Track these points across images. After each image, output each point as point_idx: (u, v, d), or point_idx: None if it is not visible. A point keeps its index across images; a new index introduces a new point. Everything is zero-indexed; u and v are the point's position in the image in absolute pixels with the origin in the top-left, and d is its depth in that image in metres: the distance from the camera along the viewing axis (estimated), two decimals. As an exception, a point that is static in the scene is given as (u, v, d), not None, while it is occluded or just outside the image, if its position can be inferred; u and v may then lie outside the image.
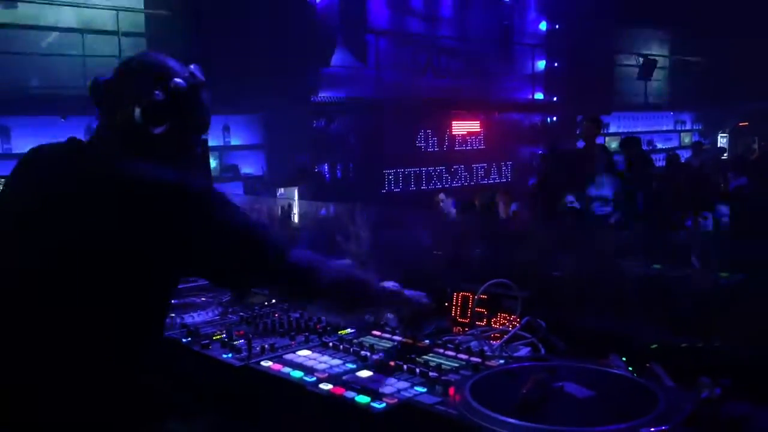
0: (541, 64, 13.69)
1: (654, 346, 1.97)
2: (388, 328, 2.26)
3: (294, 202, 7.38)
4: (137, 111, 1.73)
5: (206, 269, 1.77)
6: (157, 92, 1.75)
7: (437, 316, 2.22)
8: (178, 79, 1.78)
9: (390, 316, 2.17)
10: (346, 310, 1.96)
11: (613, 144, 11.61)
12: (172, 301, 2.00)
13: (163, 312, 1.81)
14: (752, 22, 12.92)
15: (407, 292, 2.08)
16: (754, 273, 2.32)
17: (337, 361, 1.97)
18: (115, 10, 8.60)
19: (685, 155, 13.30)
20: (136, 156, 1.72)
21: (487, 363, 1.91)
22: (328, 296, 1.84)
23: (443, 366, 1.89)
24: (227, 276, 1.77)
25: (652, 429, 1.42)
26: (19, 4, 8.12)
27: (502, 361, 1.93)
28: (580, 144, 8.83)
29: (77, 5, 8.46)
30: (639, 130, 14.72)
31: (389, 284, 2.07)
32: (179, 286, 2.81)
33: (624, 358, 1.91)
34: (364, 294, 1.94)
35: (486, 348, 2.04)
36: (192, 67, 1.87)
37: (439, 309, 2.24)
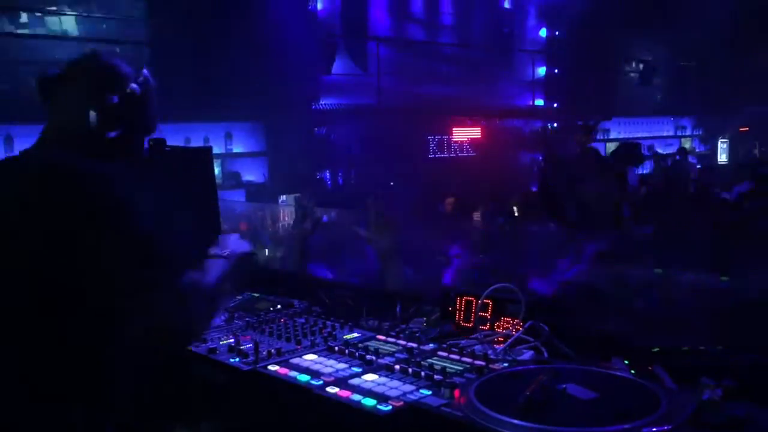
0: (541, 71, 13.73)
1: (656, 349, 1.99)
2: None
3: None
4: (92, 114, 1.73)
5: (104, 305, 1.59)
6: (113, 96, 1.76)
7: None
8: (134, 85, 1.80)
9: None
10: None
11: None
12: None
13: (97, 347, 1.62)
14: (753, 28, 12.97)
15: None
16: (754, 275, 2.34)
17: (342, 365, 1.99)
18: (118, 19, 8.66)
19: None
20: (81, 157, 1.68)
21: (491, 366, 1.94)
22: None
23: (448, 369, 1.91)
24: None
25: (654, 429, 1.44)
26: (22, 13, 8.17)
27: (505, 364, 1.95)
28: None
29: (79, 15, 8.52)
30: (640, 135, 14.75)
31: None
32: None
33: (626, 361, 1.93)
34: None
35: (490, 351, 2.06)
36: (144, 71, 1.87)
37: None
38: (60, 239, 1.55)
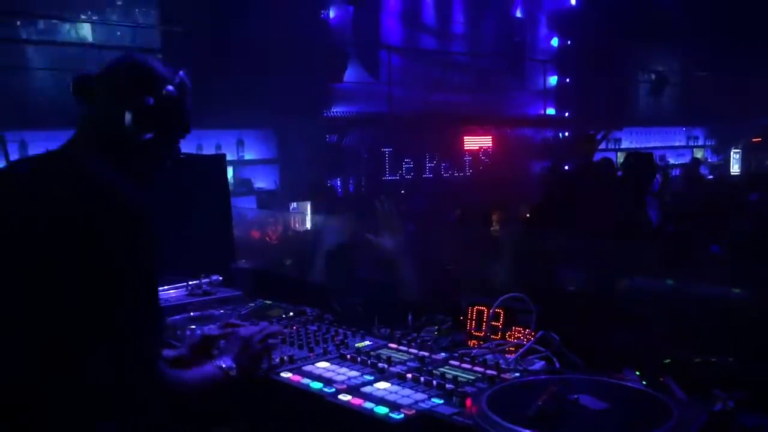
0: (552, 80, 13.74)
1: (668, 360, 1.99)
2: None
3: (307, 217, 7.45)
4: (128, 116, 1.72)
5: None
6: (149, 98, 1.74)
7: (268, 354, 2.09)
8: (170, 86, 1.79)
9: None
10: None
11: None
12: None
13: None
14: (766, 37, 12.93)
15: (242, 331, 2.06)
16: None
17: (355, 373, 2.01)
18: (132, 26, 8.74)
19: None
20: (115, 161, 1.71)
21: (503, 376, 1.95)
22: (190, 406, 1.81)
23: (459, 378, 1.92)
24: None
25: (666, 440, 1.45)
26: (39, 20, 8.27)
27: (517, 374, 1.96)
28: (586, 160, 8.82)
29: (94, 22, 8.61)
30: (651, 145, 14.72)
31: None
32: (198, 299, 2.87)
33: (638, 372, 1.93)
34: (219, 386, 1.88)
35: (501, 361, 2.07)
36: (181, 73, 1.86)
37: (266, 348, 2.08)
38: (81, 255, 1.55)
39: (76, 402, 1.59)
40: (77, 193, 1.61)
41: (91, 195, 1.61)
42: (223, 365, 1.89)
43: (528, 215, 7.29)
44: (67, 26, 8.49)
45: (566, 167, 9.45)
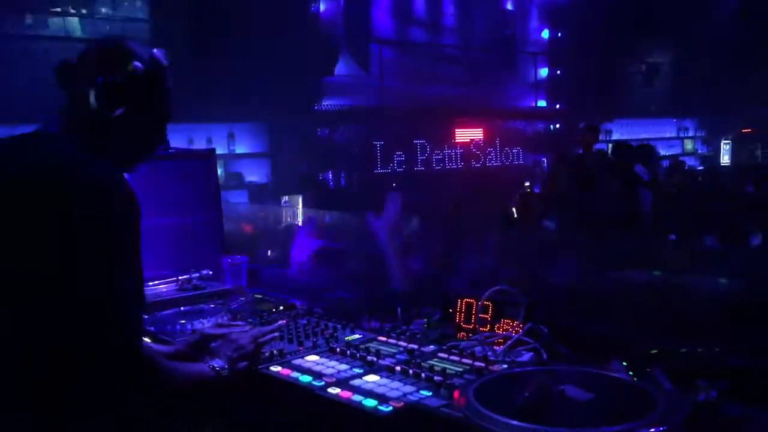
0: (543, 72, 13.75)
1: (654, 351, 2.01)
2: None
3: (298, 210, 7.45)
4: (92, 94, 1.71)
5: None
6: (113, 74, 1.72)
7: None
8: (136, 62, 1.75)
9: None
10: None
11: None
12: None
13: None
14: (756, 29, 12.96)
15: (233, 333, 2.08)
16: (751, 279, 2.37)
17: (344, 366, 2.02)
18: (120, 20, 8.69)
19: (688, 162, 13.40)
20: (89, 141, 1.71)
21: (491, 368, 1.96)
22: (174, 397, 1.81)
23: (448, 370, 1.94)
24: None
25: (651, 430, 1.47)
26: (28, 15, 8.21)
27: (505, 366, 1.98)
28: (580, 151, 8.84)
29: (83, 16, 8.55)
30: (642, 136, 14.73)
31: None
32: (189, 294, 2.87)
33: (625, 363, 1.95)
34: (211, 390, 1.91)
35: (489, 353, 2.08)
36: (155, 51, 1.84)
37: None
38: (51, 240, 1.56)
39: (57, 383, 1.59)
40: (45, 169, 1.63)
41: (58, 170, 1.62)
42: (216, 366, 1.91)
43: (516, 207, 7.29)
44: (55, 20, 8.43)
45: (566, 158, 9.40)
